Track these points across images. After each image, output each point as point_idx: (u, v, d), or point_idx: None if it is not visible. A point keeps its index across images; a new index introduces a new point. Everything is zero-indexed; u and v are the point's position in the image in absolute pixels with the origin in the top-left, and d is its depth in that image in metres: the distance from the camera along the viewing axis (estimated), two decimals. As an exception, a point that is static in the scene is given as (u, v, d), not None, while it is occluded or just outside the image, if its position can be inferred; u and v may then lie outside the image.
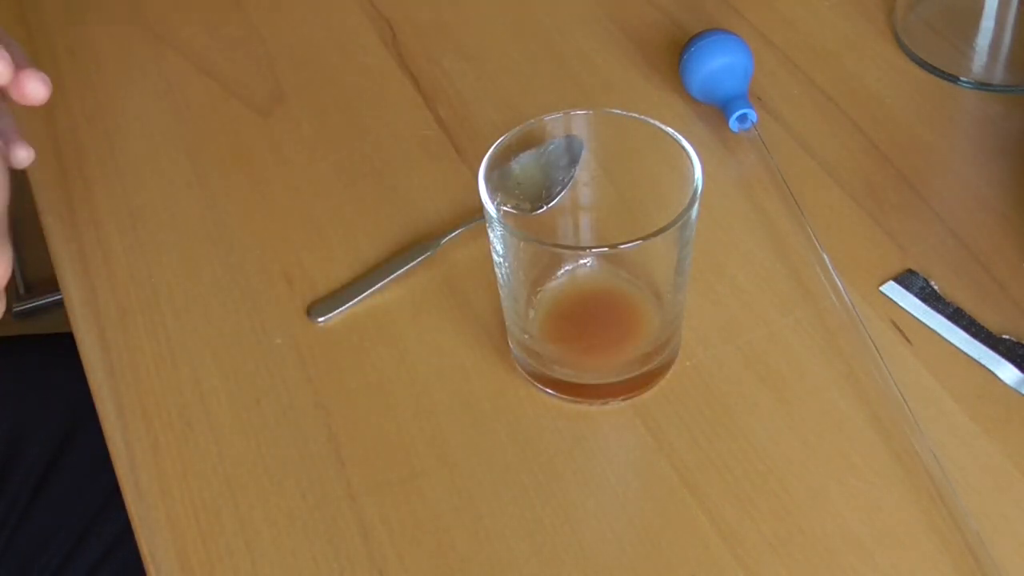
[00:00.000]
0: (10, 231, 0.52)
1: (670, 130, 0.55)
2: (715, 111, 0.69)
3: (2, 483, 0.75)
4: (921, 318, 0.58)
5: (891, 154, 0.67)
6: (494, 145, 0.55)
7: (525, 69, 0.75)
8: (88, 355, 0.61)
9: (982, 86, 0.70)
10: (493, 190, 0.54)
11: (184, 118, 0.74)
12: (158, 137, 0.73)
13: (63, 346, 0.65)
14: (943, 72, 0.71)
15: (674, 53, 0.74)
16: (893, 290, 0.60)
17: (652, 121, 0.56)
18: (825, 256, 0.61)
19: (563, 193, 0.60)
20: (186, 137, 0.73)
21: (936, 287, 0.60)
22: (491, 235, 0.54)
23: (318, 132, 0.72)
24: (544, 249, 0.54)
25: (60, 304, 0.65)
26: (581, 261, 0.58)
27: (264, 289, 0.63)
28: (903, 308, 0.59)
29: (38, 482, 0.76)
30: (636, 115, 0.56)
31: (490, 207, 0.53)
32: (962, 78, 0.71)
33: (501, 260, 0.54)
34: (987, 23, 0.72)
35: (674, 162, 0.54)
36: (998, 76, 0.71)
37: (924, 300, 0.59)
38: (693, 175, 0.53)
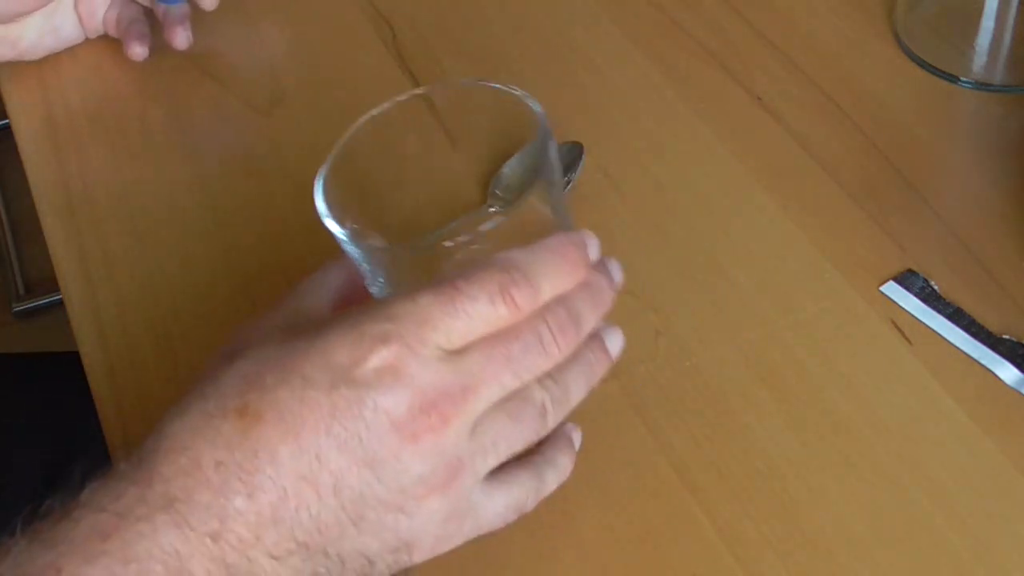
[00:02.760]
0: (15, 235, 0.52)
1: (516, 90, 0.50)
2: (723, 120, 0.69)
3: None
4: (921, 318, 0.58)
5: (891, 154, 0.67)
6: (333, 151, 0.50)
7: (525, 69, 0.75)
8: (88, 355, 0.61)
9: (982, 86, 0.70)
10: (339, 206, 0.47)
11: (184, 118, 0.74)
12: (158, 137, 0.73)
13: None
14: (943, 72, 0.71)
15: (674, 53, 0.74)
16: (893, 290, 0.60)
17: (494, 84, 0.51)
18: (825, 256, 0.61)
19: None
20: (186, 137, 0.73)
21: (936, 287, 0.60)
22: (355, 263, 0.48)
23: (318, 132, 0.72)
24: (415, 250, 0.49)
25: (60, 304, 0.65)
26: (471, 244, 0.48)
27: (264, 289, 0.63)
28: (903, 308, 0.59)
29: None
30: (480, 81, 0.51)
31: (335, 227, 0.46)
32: (962, 78, 0.71)
33: (380, 286, 0.48)
34: (987, 23, 0.72)
35: (525, 120, 0.49)
36: (998, 76, 0.71)
37: (924, 300, 0.59)
38: (540, 124, 0.48)
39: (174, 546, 0.41)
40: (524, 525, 0.52)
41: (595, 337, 0.48)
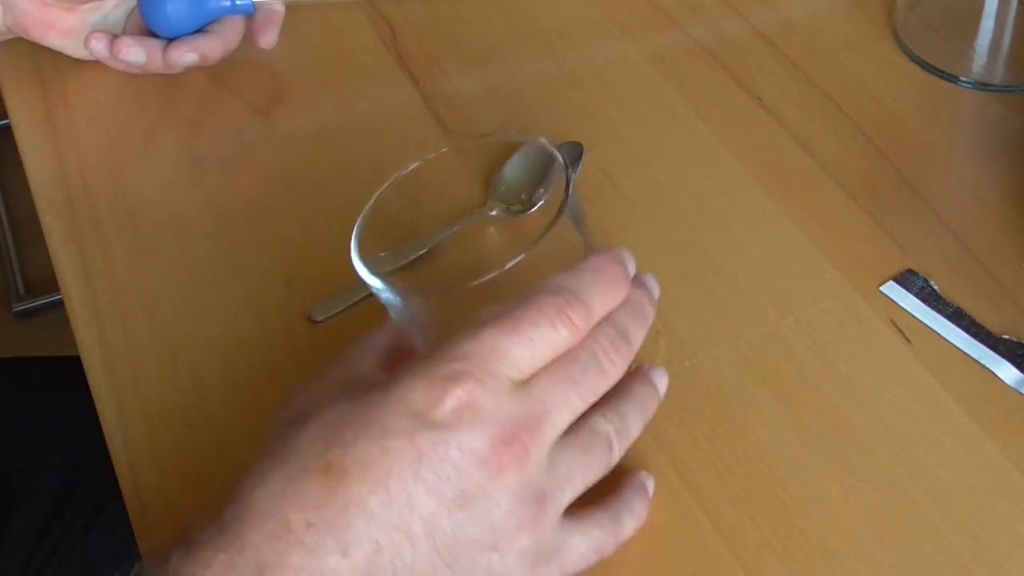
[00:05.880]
0: (15, 235, 0.51)
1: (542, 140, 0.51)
2: (723, 120, 0.69)
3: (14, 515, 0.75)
4: (921, 318, 0.58)
5: (891, 154, 0.67)
6: (368, 205, 0.51)
7: (525, 69, 0.75)
8: (88, 355, 0.61)
9: (982, 86, 0.70)
10: (371, 260, 0.48)
11: (184, 118, 0.74)
12: (158, 137, 0.73)
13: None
14: (943, 72, 0.71)
15: (674, 54, 0.74)
16: (893, 290, 0.60)
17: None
18: (825, 256, 0.61)
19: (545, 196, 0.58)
20: (186, 137, 0.73)
21: (936, 287, 0.60)
22: (393, 312, 0.49)
23: (318, 132, 0.72)
24: (446, 295, 0.49)
25: (60, 304, 0.65)
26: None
27: (264, 289, 0.63)
28: (903, 308, 0.59)
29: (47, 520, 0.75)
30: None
31: (376, 282, 0.47)
32: (962, 78, 0.71)
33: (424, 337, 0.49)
34: (987, 23, 0.72)
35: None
36: (998, 76, 0.71)
37: (924, 300, 0.59)
38: (562, 168, 0.50)
39: None
40: (524, 525, 0.52)
41: (643, 373, 0.49)
